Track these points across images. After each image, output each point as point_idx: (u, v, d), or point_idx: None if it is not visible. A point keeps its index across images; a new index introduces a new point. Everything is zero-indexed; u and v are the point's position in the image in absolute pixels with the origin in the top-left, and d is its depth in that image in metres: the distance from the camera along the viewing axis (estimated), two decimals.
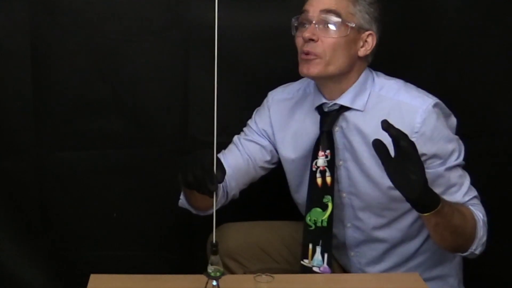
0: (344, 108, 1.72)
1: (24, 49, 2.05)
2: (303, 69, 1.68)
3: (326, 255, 1.72)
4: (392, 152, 1.43)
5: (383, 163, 1.45)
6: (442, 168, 1.65)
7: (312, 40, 1.65)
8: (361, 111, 1.71)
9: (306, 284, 1.62)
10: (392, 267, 1.79)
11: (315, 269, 1.73)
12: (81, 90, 2.09)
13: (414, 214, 1.70)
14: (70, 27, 2.04)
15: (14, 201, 2.16)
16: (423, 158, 1.52)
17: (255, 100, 1.92)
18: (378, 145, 1.43)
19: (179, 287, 1.55)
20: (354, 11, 1.67)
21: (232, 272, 1.84)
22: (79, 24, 2.05)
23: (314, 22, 1.66)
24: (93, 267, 1.66)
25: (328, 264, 1.72)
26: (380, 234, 1.77)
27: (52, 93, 2.10)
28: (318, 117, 1.76)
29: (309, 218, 1.74)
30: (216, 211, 1.39)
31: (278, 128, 1.84)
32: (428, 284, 1.59)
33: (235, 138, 1.88)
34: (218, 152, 1.39)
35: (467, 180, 1.69)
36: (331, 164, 1.72)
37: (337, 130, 1.74)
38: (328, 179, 1.72)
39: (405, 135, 1.42)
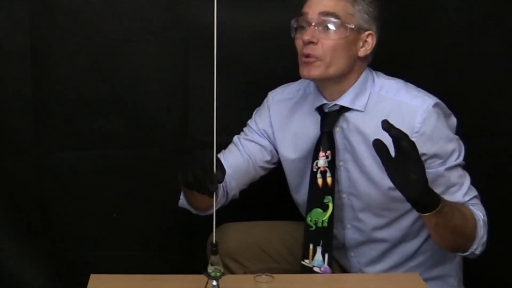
0: (344, 109, 1.72)
1: (24, 49, 2.05)
2: (304, 71, 1.68)
3: (326, 255, 1.72)
4: (392, 152, 1.43)
5: (383, 163, 1.45)
6: (442, 168, 1.65)
7: (312, 42, 1.65)
8: (362, 111, 1.71)
9: (306, 284, 1.62)
10: (392, 267, 1.79)
11: (315, 269, 1.73)
12: (81, 90, 2.09)
13: (414, 214, 1.70)
14: (70, 27, 2.04)
15: (14, 201, 2.16)
16: (423, 158, 1.52)
17: (255, 100, 1.92)
18: (378, 145, 1.43)
19: (179, 287, 1.55)
20: (353, 11, 1.66)
21: (232, 272, 1.84)
22: (79, 24, 2.04)
23: (313, 24, 1.66)
24: (93, 267, 1.66)
25: (328, 264, 1.72)
26: (380, 234, 1.77)
27: (52, 93, 2.10)
28: (318, 117, 1.76)
29: (309, 218, 1.74)
30: (216, 211, 1.39)
31: (278, 128, 1.84)
32: (428, 284, 1.59)
33: (235, 138, 1.88)
34: (218, 152, 1.40)
35: (467, 180, 1.69)
36: (332, 165, 1.72)
37: (337, 131, 1.74)
38: (329, 180, 1.72)
39: (406, 135, 1.42)
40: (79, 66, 2.07)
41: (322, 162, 1.73)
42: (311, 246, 1.73)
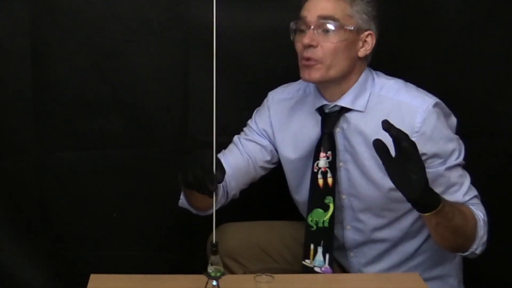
0: (345, 109, 1.72)
1: (24, 49, 2.05)
2: (305, 74, 1.68)
3: (327, 256, 1.72)
4: (392, 152, 1.43)
5: (383, 163, 1.45)
6: (443, 168, 1.65)
7: (312, 46, 1.65)
8: (362, 111, 1.71)
9: (306, 284, 1.62)
10: (392, 266, 1.79)
11: (316, 269, 1.73)
12: (81, 90, 2.09)
13: (414, 214, 1.70)
14: (70, 27, 2.04)
15: (14, 201, 2.16)
16: (423, 158, 1.52)
17: (255, 100, 1.92)
18: (378, 145, 1.43)
19: (179, 287, 1.55)
20: (352, 12, 1.66)
21: (232, 272, 1.84)
22: (79, 24, 2.04)
23: (312, 27, 1.65)
24: (93, 267, 1.66)
25: (329, 264, 1.72)
26: (380, 234, 1.77)
27: (52, 93, 2.09)
28: (318, 117, 1.76)
29: (310, 218, 1.74)
30: (216, 211, 1.39)
31: (278, 128, 1.84)
32: (428, 284, 1.59)
33: (235, 138, 1.88)
34: (218, 152, 1.40)
35: (467, 180, 1.69)
36: (333, 165, 1.72)
37: (338, 131, 1.73)
38: (330, 180, 1.72)
39: (406, 135, 1.42)
40: (79, 66, 2.07)
41: (323, 162, 1.73)
42: (312, 246, 1.73)
